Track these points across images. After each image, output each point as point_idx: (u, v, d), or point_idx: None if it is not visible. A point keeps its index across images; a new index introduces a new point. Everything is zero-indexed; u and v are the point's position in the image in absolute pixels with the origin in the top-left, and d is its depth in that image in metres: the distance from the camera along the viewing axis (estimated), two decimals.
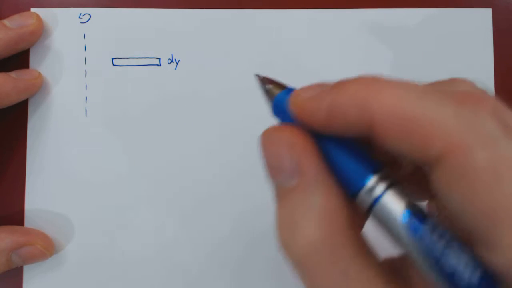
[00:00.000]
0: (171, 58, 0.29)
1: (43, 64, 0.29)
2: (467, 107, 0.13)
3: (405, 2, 0.30)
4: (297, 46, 0.29)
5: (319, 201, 0.14)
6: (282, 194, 0.15)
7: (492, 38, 0.30)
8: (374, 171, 0.14)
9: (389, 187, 0.14)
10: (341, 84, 0.14)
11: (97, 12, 0.29)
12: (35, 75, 0.28)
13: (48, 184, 0.28)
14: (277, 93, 0.16)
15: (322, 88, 0.15)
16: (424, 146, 0.13)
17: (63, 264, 0.28)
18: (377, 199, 0.13)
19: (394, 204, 0.13)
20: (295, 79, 0.29)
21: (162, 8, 0.29)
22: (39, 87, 0.28)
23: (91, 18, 0.29)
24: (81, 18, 0.29)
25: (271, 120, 0.30)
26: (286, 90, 0.16)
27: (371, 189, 0.14)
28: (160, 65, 0.29)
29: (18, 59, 0.28)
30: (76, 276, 0.28)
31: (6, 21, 0.27)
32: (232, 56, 0.29)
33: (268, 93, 0.16)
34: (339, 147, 0.14)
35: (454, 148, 0.12)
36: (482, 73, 0.30)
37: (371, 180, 0.14)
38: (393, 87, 0.13)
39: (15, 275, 0.28)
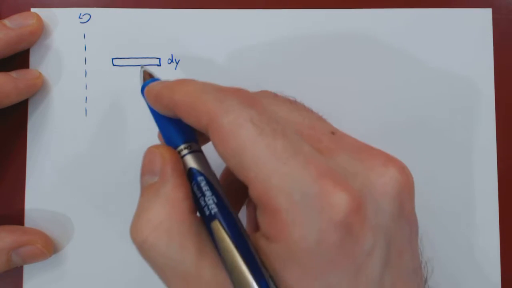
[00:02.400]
0: (171, 58, 0.29)
1: (43, 64, 0.29)
2: (224, 94, 0.18)
3: (405, 2, 0.30)
4: (297, 46, 0.29)
5: (166, 192, 0.18)
6: (144, 188, 0.19)
7: (492, 38, 0.30)
8: (184, 142, 0.20)
9: (190, 152, 0.20)
10: (165, 84, 0.20)
11: (97, 12, 0.29)
12: (35, 75, 0.28)
13: (48, 184, 0.28)
14: (146, 80, 0.22)
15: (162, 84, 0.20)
16: (198, 120, 0.18)
17: (63, 264, 0.28)
18: (183, 156, 0.20)
19: (190, 160, 0.20)
20: (295, 79, 0.29)
21: (162, 8, 0.29)
22: (40, 87, 0.28)
23: (91, 18, 0.29)
24: (81, 18, 0.29)
25: None
26: (153, 79, 0.22)
27: (181, 150, 0.20)
28: (160, 65, 0.29)
29: (18, 59, 0.28)
30: (76, 276, 0.28)
31: (6, 21, 0.27)
32: (232, 56, 0.29)
33: (142, 78, 0.22)
34: (174, 128, 0.20)
35: (213, 118, 0.17)
36: (482, 73, 0.30)
37: (181, 146, 0.20)
38: (234, 115, 0.17)
39: (15, 275, 0.28)
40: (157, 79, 0.22)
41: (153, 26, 0.29)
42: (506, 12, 0.30)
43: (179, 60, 0.29)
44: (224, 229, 0.17)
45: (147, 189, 0.19)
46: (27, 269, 0.28)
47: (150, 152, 0.20)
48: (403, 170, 0.18)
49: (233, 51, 0.29)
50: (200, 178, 0.19)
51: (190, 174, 0.19)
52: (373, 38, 0.29)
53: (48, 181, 0.28)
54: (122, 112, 0.29)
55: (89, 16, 0.29)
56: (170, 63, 0.29)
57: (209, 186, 0.18)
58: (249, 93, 0.18)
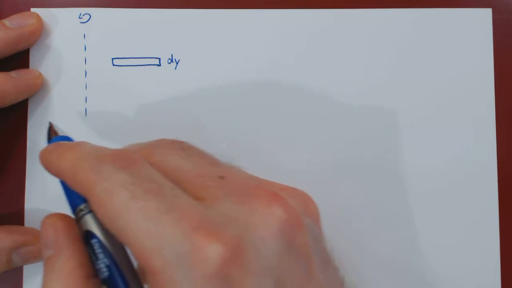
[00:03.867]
0: (171, 58, 0.29)
1: (43, 64, 0.29)
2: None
3: (404, 2, 0.30)
4: (297, 46, 0.29)
5: (60, 264, 0.19)
6: (44, 263, 0.20)
7: (492, 38, 0.30)
8: (85, 201, 0.20)
9: (88, 212, 0.20)
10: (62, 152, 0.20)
11: (97, 12, 0.29)
12: (35, 74, 0.28)
13: (48, 184, 0.28)
14: (52, 137, 0.23)
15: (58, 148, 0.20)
16: (79, 189, 0.18)
17: None
18: (81, 217, 0.20)
19: (88, 221, 0.20)
20: (295, 79, 0.29)
21: (162, 8, 0.29)
22: (40, 87, 0.28)
23: (91, 18, 0.29)
24: (81, 18, 0.29)
25: (270, 121, 0.30)
26: (58, 137, 0.23)
27: (81, 210, 0.20)
28: (160, 65, 0.29)
29: (18, 59, 0.28)
30: None
31: (6, 21, 0.27)
32: (232, 56, 0.29)
33: (48, 135, 0.23)
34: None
35: (89, 188, 0.18)
36: (482, 73, 0.30)
37: (81, 206, 0.20)
38: (107, 182, 0.17)
39: (15, 275, 0.28)
40: (63, 138, 0.22)
41: (153, 26, 0.29)
42: (506, 12, 0.30)
43: (179, 60, 0.29)
44: None
45: (45, 263, 0.20)
46: (27, 269, 0.28)
47: (43, 224, 0.20)
48: (288, 206, 0.18)
49: (233, 51, 0.29)
50: (93, 241, 0.19)
51: (87, 236, 0.19)
52: (373, 38, 0.29)
53: (48, 181, 0.28)
54: (122, 112, 0.29)
55: (89, 16, 0.29)
56: (170, 63, 0.29)
57: (102, 249, 0.19)
58: (125, 154, 0.19)
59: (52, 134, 0.23)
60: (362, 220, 0.29)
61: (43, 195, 0.28)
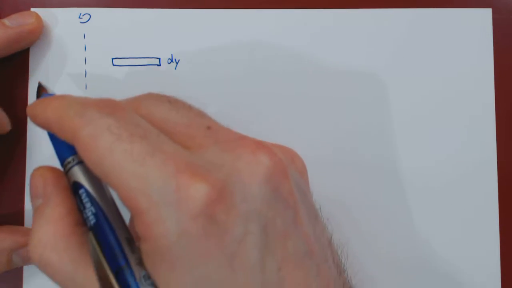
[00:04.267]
0: (171, 58, 0.29)
1: (43, 64, 0.29)
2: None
3: (404, 2, 0.30)
4: (297, 46, 0.29)
5: (49, 211, 0.20)
6: (34, 211, 0.20)
7: (492, 38, 0.30)
8: (73, 153, 0.20)
9: (76, 164, 0.20)
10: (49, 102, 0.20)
11: (97, 12, 0.29)
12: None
13: None
14: (39, 95, 0.23)
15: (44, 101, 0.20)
16: (65, 136, 0.18)
17: None
18: (69, 169, 0.20)
19: (75, 173, 0.20)
20: (295, 79, 0.29)
21: (162, 8, 0.29)
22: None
23: (91, 18, 0.29)
24: (81, 18, 0.29)
25: (270, 120, 0.30)
26: (46, 94, 0.23)
27: (68, 163, 0.20)
28: (160, 65, 0.29)
29: (18, 59, 0.28)
30: None
31: (5, 20, 0.27)
32: (232, 56, 0.29)
33: (37, 93, 0.23)
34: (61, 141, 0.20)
35: (74, 132, 0.18)
36: (482, 73, 0.30)
37: (69, 159, 0.20)
38: (92, 127, 0.17)
39: (15, 275, 0.28)
40: (50, 95, 0.22)
41: (153, 26, 0.29)
42: (506, 12, 0.30)
43: (179, 60, 0.29)
44: (96, 241, 0.18)
45: (35, 211, 0.20)
46: (27, 269, 0.28)
47: (32, 175, 0.21)
48: (274, 155, 0.18)
49: (233, 51, 0.29)
50: (81, 191, 0.19)
51: (74, 187, 0.20)
52: (373, 38, 0.29)
53: None
54: None
55: (89, 16, 0.29)
56: (170, 63, 0.29)
57: (89, 198, 0.19)
58: (111, 102, 0.19)
59: (41, 92, 0.23)
60: (360, 220, 0.29)
61: None
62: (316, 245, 0.19)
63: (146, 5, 0.29)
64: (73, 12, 0.29)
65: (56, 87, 0.29)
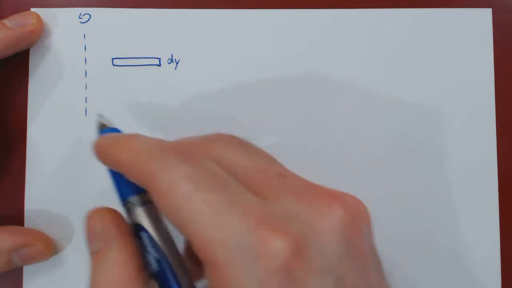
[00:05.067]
0: (171, 58, 0.29)
1: (43, 64, 0.29)
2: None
3: (404, 2, 0.30)
4: (297, 46, 0.29)
5: (112, 256, 0.19)
6: (93, 256, 0.20)
7: (492, 38, 0.30)
8: (135, 193, 0.20)
9: (140, 205, 0.20)
10: (130, 144, 0.19)
11: (97, 12, 0.29)
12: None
13: (48, 184, 0.28)
14: (100, 130, 0.22)
15: (118, 139, 0.20)
16: (140, 179, 0.18)
17: (63, 264, 0.28)
18: (131, 209, 0.20)
19: (138, 214, 0.20)
20: (295, 79, 0.29)
21: (162, 8, 0.29)
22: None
23: (91, 18, 0.29)
24: (81, 18, 0.29)
25: (270, 120, 0.30)
26: (107, 129, 0.22)
27: (130, 202, 0.20)
28: (160, 65, 0.29)
29: (18, 59, 0.28)
30: (76, 277, 0.28)
31: (6, 21, 0.27)
32: (232, 56, 0.29)
33: (97, 128, 0.22)
34: (124, 180, 0.20)
35: (152, 178, 0.18)
36: (482, 73, 0.30)
37: (131, 198, 0.20)
38: (172, 173, 0.17)
39: (15, 275, 0.28)
40: (113, 129, 0.22)
41: (153, 26, 0.29)
42: (506, 12, 0.30)
43: (179, 60, 0.29)
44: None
45: (94, 255, 0.20)
46: (27, 270, 0.28)
47: (90, 217, 0.20)
48: (349, 207, 0.18)
49: (233, 51, 0.29)
50: (144, 235, 0.19)
51: (136, 229, 0.19)
52: (373, 38, 0.29)
53: (48, 181, 0.28)
54: (122, 112, 0.29)
55: (89, 16, 0.29)
56: (170, 63, 0.29)
57: (152, 244, 0.19)
58: (187, 147, 0.19)
59: (102, 126, 0.22)
60: None
61: (43, 195, 0.28)
62: None
63: (146, 5, 0.29)
64: (73, 12, 0.29)
65: (56, 87, 0.29)
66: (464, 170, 0.29)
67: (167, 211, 0.17)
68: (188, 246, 0.22)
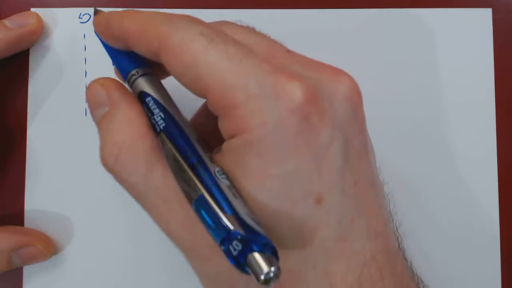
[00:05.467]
0: None
1: (43, 64, 0.29)
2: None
3: (404, 2, 0.30)
4: (297, 46, 0.29)
5: (120, 114, 0.19)
6: (99, 121, 0.19)
7: (492, 38, 0.30)
8: (136, 67, 0.20)
9: (140, 76, 0.20)
10: (135, 15, 0.19)
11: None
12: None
13: (48, 184, 0.28)
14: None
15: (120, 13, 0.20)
16: (149, 44, 0.18)
17: (63, 264, 0.28)
18: (134, 81, 0.20)
19: (140, 84, 0.20)
20: None
21: (162, 8, 0.29)
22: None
23: (91, 18, 0.29)
24: (81, 18, 0.29)
25: None
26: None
27: (133, 75, 0.20)
28: None
29: (18, 59, 0.28)
30: (76, 276, 0.28)
31: (6, 21, 0.27)
32: None
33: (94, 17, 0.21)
34: (126, 56, 0.20)
35: (163, 39, 0.18)
36: (482, 73, 0.30)
37: (132, 72, 0.20)
38: (184, 32, 0.17)
39: (15, 275, 0.28)
40: None
41: None
42: (506, 12, 0.30)
43: None
44: (169, 140, 0.18)
45: (101, 120, 0.19)
46: (27, 270, 0.28)
47: (91, 86, 0.20)
48: (353, 80, 0.19)
49: None
50: (148, 99, 0.19)
51: (141, 97, 0.19)
52: (373, 38, 0.30)
53: (48, 181, 0.28)
54: None
55: (89, 16, 0.29)
56: None
57: (157, 105, 0.19)
58: (195, 17, 0.19)
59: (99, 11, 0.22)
60: None
61: (43, 195, 0.28)
62: (378, 180, 0.20)
63: (146, 5, 0.29)
64: (73, 12, 0.29)
65: (56, 87, 0.29)
66: (464, 169, 0.29)
67: (180, 70, 0.17)
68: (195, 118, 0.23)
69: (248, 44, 0.18)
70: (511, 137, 0.30)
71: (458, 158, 0.29)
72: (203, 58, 0.17)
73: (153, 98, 0.19)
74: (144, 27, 0.18)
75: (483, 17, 0.30)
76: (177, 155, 0.18)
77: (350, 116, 0.18)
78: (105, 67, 0.29)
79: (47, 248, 0.27)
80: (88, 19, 0.29)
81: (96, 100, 0.20)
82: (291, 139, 0.16)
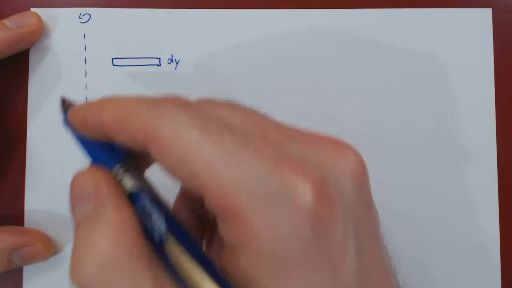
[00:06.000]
0: (171, 58, 0.29)
1: (43, 64, 0.29)
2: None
3: (404, 2, 0.30)
4: (297, 46, 0.29)
5: (106, 215, 0.16)
6: (79, 221, 0.16)
7: (492, 38, 0.30)
8: (119, 162, 0.18)
9: (126, 171, 0.17)
10: (113, 102, 0.17)
11: (97, 12, 0.29)
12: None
13: (48, 184, 0.28)
14: (67, 108, 0.19)
15: (96, 106, 0.17)
16: (133, 136, 0.16)
17: (63, 264, 0.28)
18: (121, 177, 0.17)
19: (128, 180, 0.17)
20: (295, 79, 0.29)
21: (162, 8, 0.29)
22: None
23: (91, 18, 0.29)
24: (81, 18, 0.29)
25: None
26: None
27: (115, 173, 0.17)
28: (160, 65, 0.29)
29: (18, 59, 0.28)
30: None
31: (6, 21, 0.27)
32: (232, 56, 0.29)
33: (62, 107, 0.20)
34: (105, 150, 0.18)
35: (149, 130, 0.15)
36: (482, 73, 0.30)
37: (115, 167, 0.17)
38: (171, 120, 0.15)
39: (15, 275, 0.28)
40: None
41: (153, 26, 0.29)
42: (506, 12, 0.30)
43: (179, 60, 0.29)
44: (181, 247, 0.16)
45: (82, 218, 0.16)
46: (27, 270, 0.28)
47: (77, 177, 0.17)
48: (357, 154, 0.17)
49: (233, 51, 0.29)
50: (143, 198, 0.17)
51: (130, 196, 0.17)
52: (373, 38, 0.29)
53: (48, 181, 0.28)
54: None
55: (89, 16, 0.29)
56: (170, 63, 0.29)
57: (155, 206, 0.17)
58: (182, 98, 0.17)
59: (68, 105, 0.20)
60: None
61: (43, 195, 0.28)
62: (387, 257, 0.18)
63: (146, 5, 0.29)
64: (73, 12, 0.29)
65: (56, 87, 0.29)
66: (464, 170, 0.29)
67: (172, 163, 0.15)
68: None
69: (236, 124, 0.16)
70: (511, 137, 0.30)
71: (457, 158, 0.29)
72: (196, 151, 0.15)
73: (149, 197, 0.17)
74: (126, 118, 0.16)
75: (483, 17, 0.30)
76: (195, 265, 0.15)
77: (357, 196, 0.16)
78: (105, 67, 0.29)
79: (47, 248, 0.27)
80: (88, 19, 0.29)
81: (80, 193, 0.17)
82: (308, 249, 0.14)
